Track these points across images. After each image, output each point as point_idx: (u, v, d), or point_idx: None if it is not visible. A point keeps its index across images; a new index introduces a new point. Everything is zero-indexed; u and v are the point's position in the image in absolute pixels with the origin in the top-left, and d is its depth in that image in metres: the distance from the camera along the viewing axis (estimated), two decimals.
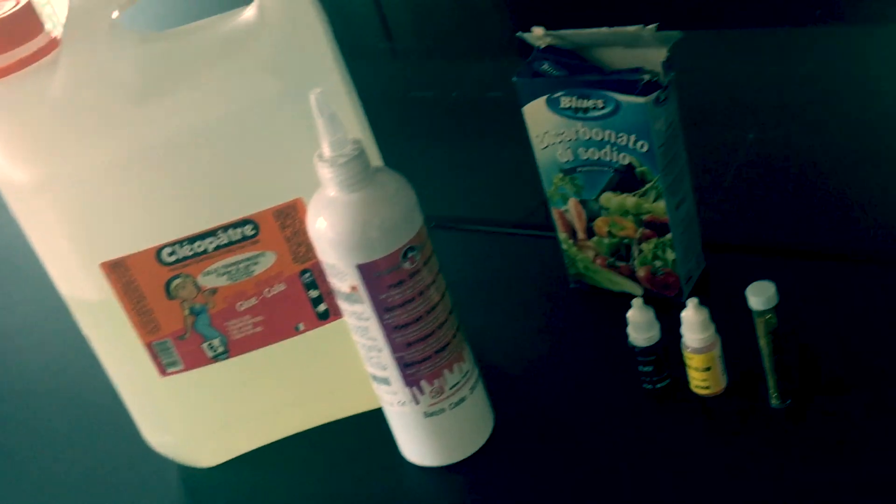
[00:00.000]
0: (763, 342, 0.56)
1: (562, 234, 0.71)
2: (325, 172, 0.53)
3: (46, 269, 0.60)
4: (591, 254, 0.71)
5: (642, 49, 0.62)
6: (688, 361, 0.60)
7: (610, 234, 0.68)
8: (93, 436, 0.73)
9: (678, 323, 0.59)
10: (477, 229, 0.85)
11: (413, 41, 1.40)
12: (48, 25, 0.59)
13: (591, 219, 0.69)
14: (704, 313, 0.58)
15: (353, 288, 0.54)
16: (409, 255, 0.54)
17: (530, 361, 0.69)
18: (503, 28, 1.33)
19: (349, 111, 0.59)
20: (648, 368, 0.61)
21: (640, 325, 0.60)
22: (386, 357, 0.57)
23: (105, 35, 0.55)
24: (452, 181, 0.95)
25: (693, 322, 0.58)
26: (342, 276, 0.54)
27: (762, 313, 0.55)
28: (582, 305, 0.72)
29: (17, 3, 0.56)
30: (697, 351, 0.59)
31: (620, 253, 0.69)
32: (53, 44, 0.57)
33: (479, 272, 0.79)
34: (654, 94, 0.61)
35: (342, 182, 0.53)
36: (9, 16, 0.55)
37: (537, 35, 0.66)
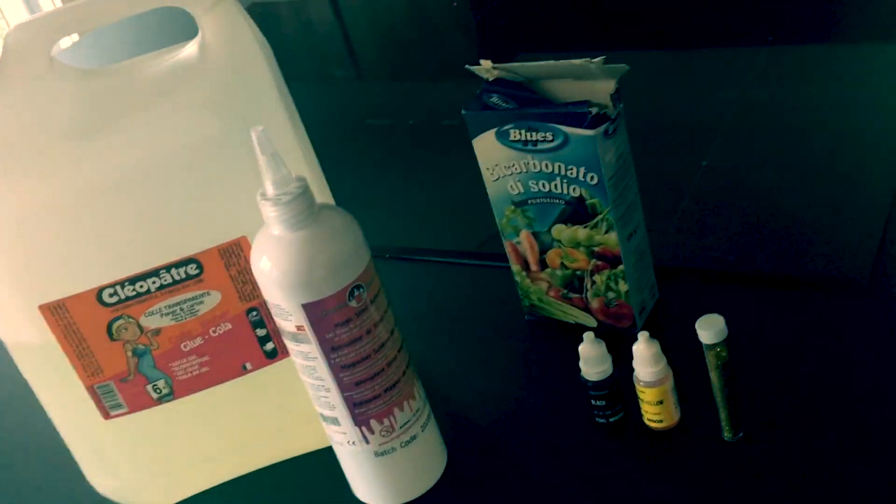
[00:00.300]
0: (714, 375, 0.56)
1: (515, 266, 0.71)
2: (269, 211, 0.52)
3: None
4: (544, 286, 0.70)
5: (591, 81, 0.62)
6: (640, 395, 0.59)
7: (563, 265, 0.68)
8: (36, 480, 0.71)
9: (631, 355, 0.59)
10: (430, 259, 0.85)
11: (373, 69, 1.39)
12: None
13: (543, 251, 0.68)
14: (655, 347, 0.58)
15: (300, 328, 0.53)
16: (356, 293, 0.53)
17: (483, 395, 0.68)
18: (461, 55, 1.33)
19: (295, 147, 0.58)
20: (601, 403, 0.60)
21: (591, 360, 0.59)
22: (334, 397, 0.56)
23: (43, 71, 0.54)
24: (407, 210, 0.94)
25: (644, 356, 0.58)
26: (287, 316, 0.53)
27: (712, 346, 0.55)
28: (536, 337, 0.72)
29: None
30: (649, 385, 0.58)
31: (573, 285, 0.69)
32: None
33: (431, 303, 0.78)
34: (603, 127, 0.61)
35: (286, 220, 0.52)
36: None
37: (486, 67, 0.65)
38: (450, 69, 1.26)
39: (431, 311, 0.77)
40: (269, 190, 0.52)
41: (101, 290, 0.56)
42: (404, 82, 1.28)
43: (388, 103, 1.21)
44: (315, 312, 0.53)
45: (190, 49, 0.57)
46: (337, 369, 0.55)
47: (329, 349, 0.54)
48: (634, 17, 1.20)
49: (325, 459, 0.62)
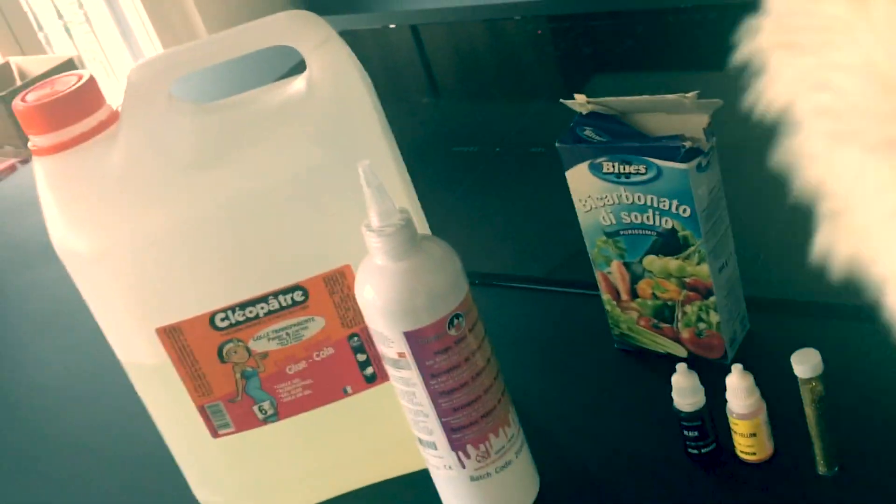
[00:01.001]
0: (809, 409, 0.56)
1: (605, 296, 0.72)
2: (373, 241, 0.54)
3: (104, 333, 0.62)
4: (634, 315, 0.71)
5: (684, 115, 0.63)
6: (733, 427, 0.60)
7: (654, 296, 0.69)
8: (144, 493, 0.75)
9: (723, 386, 0.59)
10: (519, 286, 0.86)
11: (457, 96, 1.42)
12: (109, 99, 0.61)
13: (634, 281, 0.69)
14: (749, 379, 0.58)
15: (401, 354, 0.56)
16: (455, 321, 0.55)
17: (575, 423, 0.69)
18: (546, 83, 1.35)
19: (396, 180, 0.60)
20: (693, 434, 0.61)
21: (684, 391, 0.60)
22: (432, 422, 0.58)
23: (162, 107, 0.57)
24: (495, 237, 0.96)
25: (738, 388, 0.58)
26: (389, 343, 0.56)
27: (808, 381, 0.55)
28: (626, 366, 0.73)
29: (80, 79, 0.59)
30: (743, 417, 0.59)
31: (664, 315, 0.69)
32: (114, 116, 0.60)
33: (521, 330, 0.80)
34: (696, 161, 0.62)
35: (389, 251, 0.54)
36: (73, 91, 0.57)
37: (580, 102, 0.67)
38: (533, 95, 1.28)
39: (521, 338, 0.78)
40: (374, 221, 0.54)
41: (213, 314, 0.59)
42: (487, 109, 1.30)
43: (472, 130, 1.23)
44: (416, 340, 0.55)
45: (298, 84, 0.60)
46: (435, 395, 0.56)
47: (428, 376, 0.56)
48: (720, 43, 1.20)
49: (420, 482, 0.64)
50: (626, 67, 1.22)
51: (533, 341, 0.78)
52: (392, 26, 1.61)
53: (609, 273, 0.70)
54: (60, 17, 3.24)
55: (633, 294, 0.70)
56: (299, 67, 0.59)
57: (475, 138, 1.20)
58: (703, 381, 0.60)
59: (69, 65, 2.26)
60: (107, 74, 3.33)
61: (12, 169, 2.16)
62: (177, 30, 3.28)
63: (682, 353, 0.70)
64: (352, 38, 1.71)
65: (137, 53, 3.30)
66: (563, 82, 1.36)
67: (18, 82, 2.40)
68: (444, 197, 1.04)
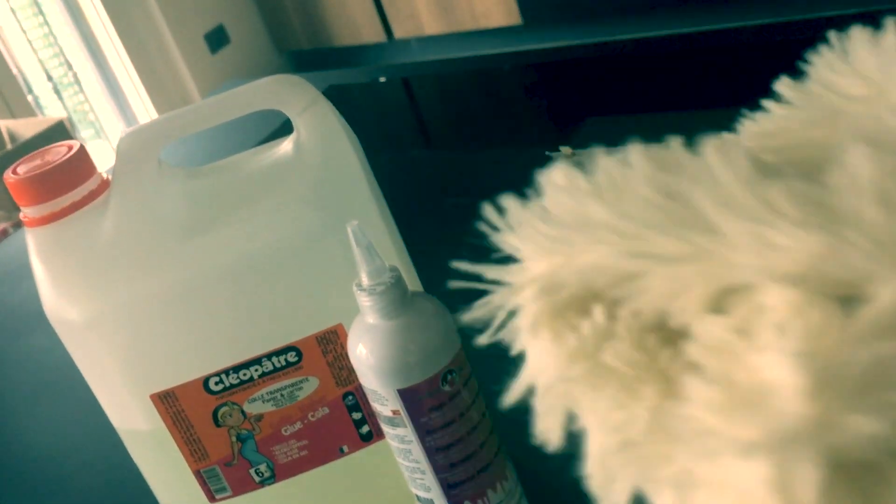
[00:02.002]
0: None
1: None
2: (364, 301, 0.54)
3: (98, 399, 0.62)
4: None
5: None
6: None
7: None
8: None
9: None
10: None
11: (447, 145, 1.43)
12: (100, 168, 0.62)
13: None
14: None
15: (395, 412, 0.56)
16: (449, 377, 0.55)
17: (573, 476, 0.69)
18: (537, 131, 1.36)
19: (386, 238, 0.61)
20: None
21: None
22: (430, 479, 0.58)
23: (152, 174, 0.58)
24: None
25: None
26: (383, 401, 0.56)
27: None
28: None
29: (71, 149, 0.60)
30: None
31: None
32: (105, 185, 0.60)
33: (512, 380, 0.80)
34: None
35: (380, 310, 0.54)
36: (64, 162, 0.58)
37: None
38: (527, 143, 1.29)
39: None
40: (365, 280, 0.54)
41: (207, 378, 0.59)
42: (479, 159, 1.31)
43: (464, 182, 1.24)
44: (410, 397, 0.55)
45: (286, 147, 0.60)
46: (431, 451, 0.56)
47: (424, 432, 0.56)
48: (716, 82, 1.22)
49: None
50: (619, 110, 1.23)
51: (527, 392, 0.78)
52: (382, 80, 1.63)
53: None
54: (50, 78, 3.27)
55: None
56: (283, 127, 0.60)
57: (468, 190, 1.21)
58: None
59: (59, 127, 2.28)
60: (97, 135, 3.35)
61: (4, 234, 2.16)
62: (167, 87, 3.31)
63: None
64: (342, 93, 1.72)
65: (127, 112, 3.33)
66: (556, 128, 1.37)
67: (9, 146, 2.42)
68: (437, 249, 1.05)
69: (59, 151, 0.59)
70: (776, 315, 0.26)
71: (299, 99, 0.59)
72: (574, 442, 0.73)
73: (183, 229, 0.58)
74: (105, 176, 0.61)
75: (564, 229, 0.33)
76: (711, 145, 0.31)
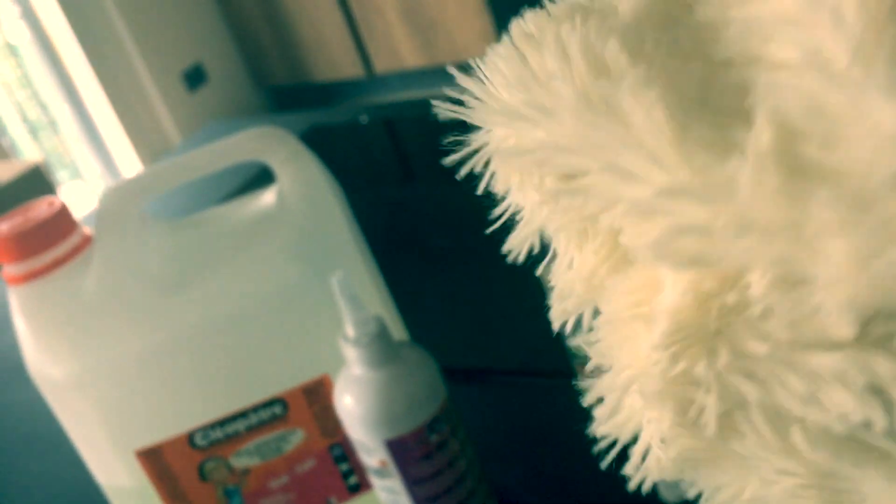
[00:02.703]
0: None
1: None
2: (350, 352, 0.54)
3: (82, 457, 0.61)
4: None
5: None
6: None
7: None
8: None
9: None
10: (501, 379, 0.86)
11: (432, 185, 1.44)
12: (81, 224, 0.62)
13: None
14: None
15: (382, 463, 0.56)
16: (436, 427, 0.55)
17: None
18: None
19: (370, 287, 0.61)
20: None
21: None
22: None
23: (134, 229, 0.58)
24: (476, 331, 0.96)
25: None
26: (371, 452, 0.56)
27: None
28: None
29: (52, 206, 0.59)
30: None
31: None
32: (86, 240, 0.60)
33: (502, 425, 0.80)
34: None
35: (366, 360, 0.54)
36: (45, 219, 0.58)
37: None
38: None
39: (503, 431, 0.78)
40: (350, 331, 0.54)
41: (192, 433, 0.59)
42: (466, 200, 1.32)
43: (448, 224, 1.24)
44: (397, 448, 0.55)
45: (269, 198, 0.61)
46: (421, 501, 0.56)
47: (412, 483, 0.56)
48: None
49: None
50: None
51: (514, 434, 0.78)
52: (364, 119, 1.63)
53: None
54: (25, 120, 3.26)
55: None
56: (263, 172, 0.60)
57: (452, 233, 1.22)
58: None
59: (35, 171, 2.26)
60: (74, 175, 3.34)
61: None
62: (145, 127, 3.31)
63: None
64: (324, 136, 1.72)
65: (104, 153, 3.32)
66: None
67: None
68: (422, 295, 1.05)
69: (40, 208, 0.59)
70: None
71: (281, 150, 0.59)
72: (564, 488, 0.73)
73: (167, 284, 0.58)
74: (87, 231, 0.61)
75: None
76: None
